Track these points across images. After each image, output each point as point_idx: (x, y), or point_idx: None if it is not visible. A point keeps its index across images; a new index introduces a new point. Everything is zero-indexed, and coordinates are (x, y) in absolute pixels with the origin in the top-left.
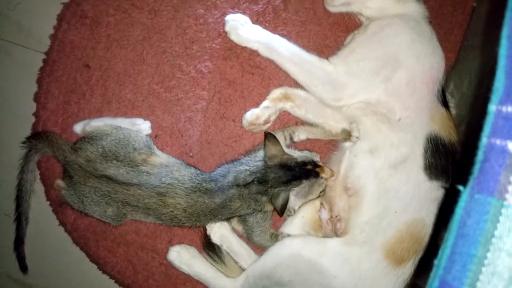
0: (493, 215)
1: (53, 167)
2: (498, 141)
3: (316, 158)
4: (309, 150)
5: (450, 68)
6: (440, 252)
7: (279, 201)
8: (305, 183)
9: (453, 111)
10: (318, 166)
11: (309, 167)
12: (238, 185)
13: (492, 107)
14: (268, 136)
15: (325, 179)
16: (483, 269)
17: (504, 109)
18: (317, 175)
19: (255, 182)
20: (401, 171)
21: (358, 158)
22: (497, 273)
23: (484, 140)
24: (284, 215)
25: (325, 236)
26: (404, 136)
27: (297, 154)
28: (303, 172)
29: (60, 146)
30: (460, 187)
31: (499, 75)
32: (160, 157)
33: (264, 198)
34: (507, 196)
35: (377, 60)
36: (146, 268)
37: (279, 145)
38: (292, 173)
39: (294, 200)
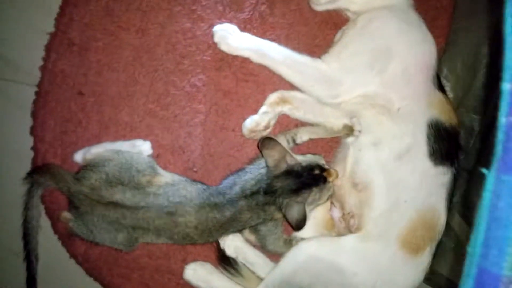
0: None
1: (58, 199)
2: None
3: (322, 161)
4: (312, 153)
5: (442, 53)
6: (472, 238)
7: (294, 215)
8: (315, 191)
9: (450, 94)
10: (325, 169)
11: (317, 171)
12: (245, 196)
13: (505, 86)
14: (264, 143)
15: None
16: None
17: None
18: (325, 180)
19: (261, 193)
20: (407, 161)
21: (363, 152)
22: None
23: (502, 119)
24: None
25: (339, 234)
26: (406, 126)
27: (301, 159)
28: (312, 178)
29: (63, 178)
30: (484, 170)
31: (508, 54)
32: (165, 177)
33: (273, 208)
34: None
35: (369, 53)
36: None
37: (279, 145)
38: (301, 180)
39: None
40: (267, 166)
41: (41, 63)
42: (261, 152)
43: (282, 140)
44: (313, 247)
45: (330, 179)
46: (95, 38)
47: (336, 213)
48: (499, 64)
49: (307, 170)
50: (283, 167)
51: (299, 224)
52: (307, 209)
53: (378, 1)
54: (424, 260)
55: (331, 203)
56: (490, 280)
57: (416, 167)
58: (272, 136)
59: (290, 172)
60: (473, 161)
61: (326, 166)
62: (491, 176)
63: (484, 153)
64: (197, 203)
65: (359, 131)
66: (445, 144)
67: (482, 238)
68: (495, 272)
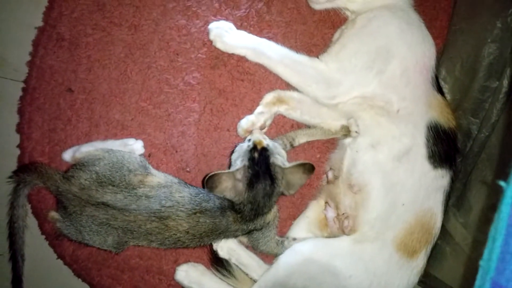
0: None
1: (45, 199)
2: None
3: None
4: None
5: (440, 54)
6: (486, 252)
7: (298, 180)
8: (273, 160)
9: (448, 96)
10: (255, 144)
11: (256, 154)
12: (231, 208)
13: None
14: (209, 183)
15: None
16: None
17: None
18: (266, 150)
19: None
20: (405, 163)
21: (360, 154)
22: None
23: None
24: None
25: (332, 235)
26: (405, 127)
27: (239, 161)
28: (261, 162)
29: (51, 176)
30: (502, 183)
31: None
32: (157, 177)
33: (263, 216)
34: None
35: (368, 54)
36: None
37: (223, 174)
38: (263, 174)
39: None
40: (230, 201)
41: (28, 58)
42: (210, 191)
43: (280, 143)
44: (307, 249)
45: (264, 144)
46: (86, 33)
47: (331, 213)
48: None
49: (253, 164)
50: (241, 186)
51: (311, 170)
52: (289, 164)
53: (378, 1)
54: (419, 263)
55: (326, 202)
56: None
57: (415, 169)
58: (208, 175)
59: (251, 183)
60: (471, 165)
61: (253, 138)
62: (510, 190)
63: (501, 165)
64: (189, 208)
65: (357, 132)
66: (444, 146)
67: (498, 253)
68: None
